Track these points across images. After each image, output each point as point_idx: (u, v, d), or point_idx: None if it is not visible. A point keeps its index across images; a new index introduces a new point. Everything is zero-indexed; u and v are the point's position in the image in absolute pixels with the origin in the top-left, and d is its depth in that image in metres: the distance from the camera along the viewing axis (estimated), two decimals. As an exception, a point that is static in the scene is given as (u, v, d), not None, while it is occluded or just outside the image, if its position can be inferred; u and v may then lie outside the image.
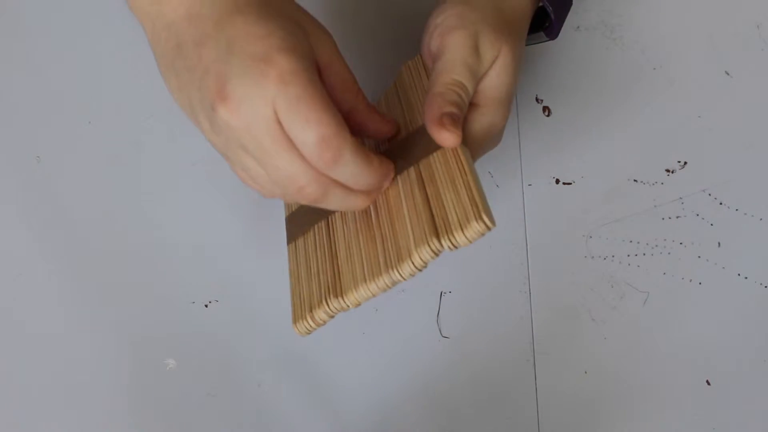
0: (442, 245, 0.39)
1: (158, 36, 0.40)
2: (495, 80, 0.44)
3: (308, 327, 0.45)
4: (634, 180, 0.57)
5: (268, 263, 0.53)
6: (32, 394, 0.52)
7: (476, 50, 0.44)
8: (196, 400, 0.52)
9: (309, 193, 0.40)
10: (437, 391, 0.53)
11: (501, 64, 0.44)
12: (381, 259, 0.42)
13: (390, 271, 0.41)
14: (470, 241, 0.39)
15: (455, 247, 0.39)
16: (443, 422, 0.53)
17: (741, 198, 0.56)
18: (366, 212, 0.45)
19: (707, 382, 0.54)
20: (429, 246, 0.39)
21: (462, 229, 0.38)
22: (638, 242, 0.56)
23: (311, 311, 0.44)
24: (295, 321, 0.45)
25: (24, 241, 0.53)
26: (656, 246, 0.56)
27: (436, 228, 0.40)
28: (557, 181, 0.56)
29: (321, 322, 0.45)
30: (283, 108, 0.37)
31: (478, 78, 0.44)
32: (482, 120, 0.45)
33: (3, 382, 0.52)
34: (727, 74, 0.58)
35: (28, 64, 0.55)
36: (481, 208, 0.38)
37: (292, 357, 0.52)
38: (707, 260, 0.56)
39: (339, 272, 0.44)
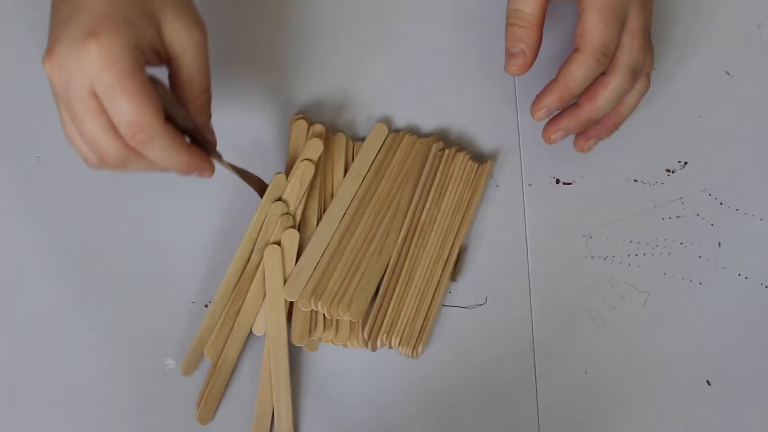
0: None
1: None
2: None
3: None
4: (634, 180, 0.57)
5: (268, 263, 0.53)
6: (32, 394, 0.52)
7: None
8: (196, 401, 0.52)
9: (109, 162, 0.42)
10: (437, 391, 0.53)
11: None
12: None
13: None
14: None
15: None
16: (443, 422, 0.53)
17: (741, 198, 0.56)
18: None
19: (707, 382, 0.54)
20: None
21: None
22: (638, 242, 0.56)
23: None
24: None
25: (24, 241, 0.53)
26: (656, 246, 0.56)
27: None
28: (557, 181, 0.56)
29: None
30: (99, 88, 0.39)
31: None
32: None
33: (2, 382, 0.52)
34: (727, 74, 0.58)
35: (29, 63, 0.55)
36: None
37: (292, 357, 0.52)
38: (707, 260, 0.56)
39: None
